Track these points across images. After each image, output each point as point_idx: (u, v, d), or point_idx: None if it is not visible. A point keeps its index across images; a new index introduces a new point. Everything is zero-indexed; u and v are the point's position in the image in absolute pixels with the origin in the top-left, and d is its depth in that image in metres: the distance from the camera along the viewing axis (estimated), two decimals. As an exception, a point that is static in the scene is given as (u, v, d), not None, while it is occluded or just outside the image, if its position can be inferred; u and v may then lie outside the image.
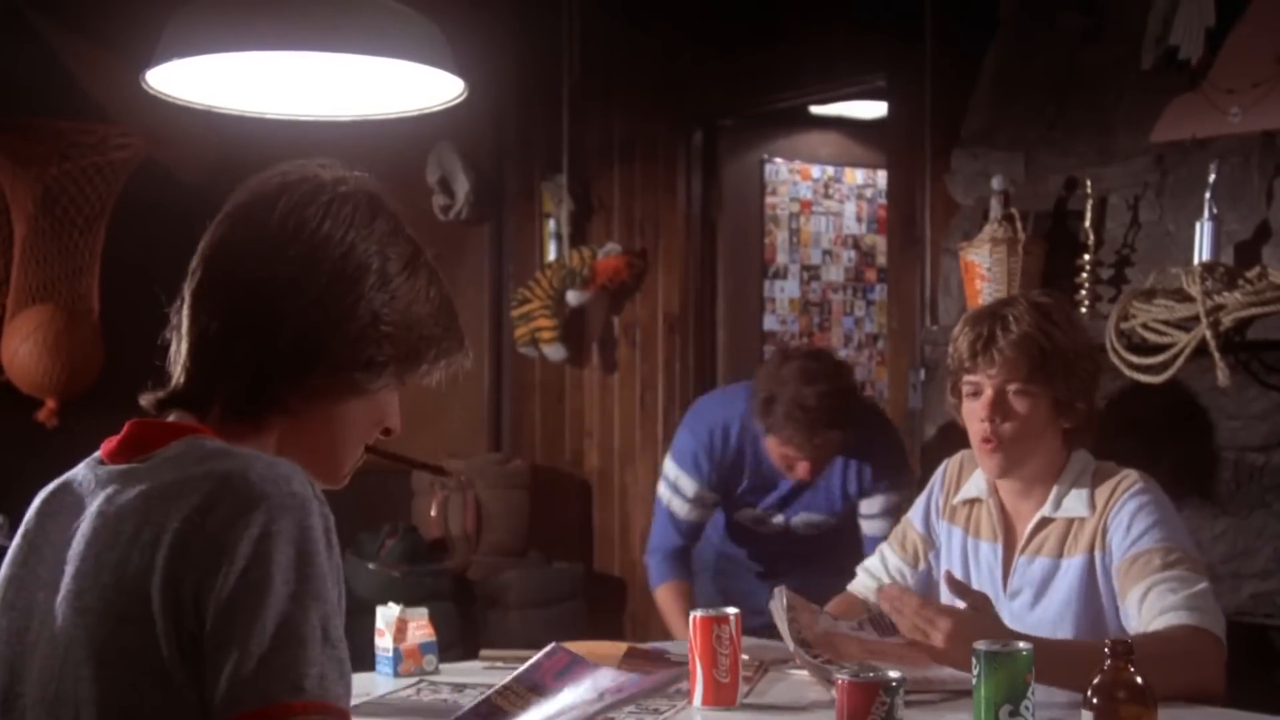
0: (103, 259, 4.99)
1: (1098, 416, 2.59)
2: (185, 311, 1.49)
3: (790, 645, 2.37)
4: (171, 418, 1.48)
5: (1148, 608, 2.33)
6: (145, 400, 1.49)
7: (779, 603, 2.40)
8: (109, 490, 1.41)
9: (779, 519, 3.70)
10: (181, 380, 1.48)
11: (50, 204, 4.89)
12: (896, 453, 3.76)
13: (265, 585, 1.30)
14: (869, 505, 3.61)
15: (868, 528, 3.60)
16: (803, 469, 3.48)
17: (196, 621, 1.31)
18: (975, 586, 2.58)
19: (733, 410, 3.60)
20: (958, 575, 2.58)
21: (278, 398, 1.48)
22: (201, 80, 2.50)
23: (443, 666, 2.62)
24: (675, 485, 3.65)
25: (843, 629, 2.43)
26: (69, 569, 1.39)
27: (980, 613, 2.27)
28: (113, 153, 4.93)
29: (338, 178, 1.52)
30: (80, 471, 1.49)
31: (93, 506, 1.41)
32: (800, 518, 3.67)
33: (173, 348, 1.50)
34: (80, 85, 4.78)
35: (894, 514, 3.43)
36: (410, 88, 2.56)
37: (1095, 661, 1.83)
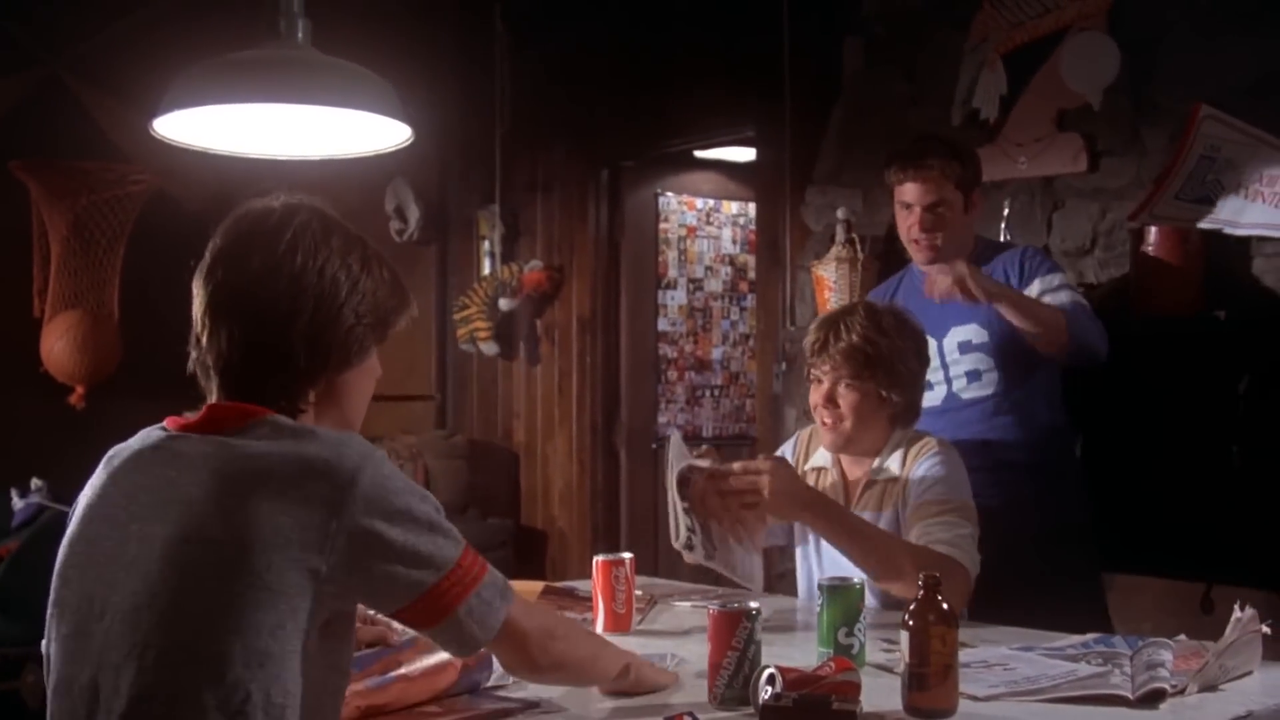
0: (121, 273, 4.96)
1: (916, 402, 2.60)
2: (205, 347, 1.50)
3: (671, 488, 2.27)
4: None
5: (919, 541, 2.34)
6: (189, 414, 1.50)
7: (675, 445, 2.32)
8: (217, 453, 1.42)
9: (938, 365, 2.93)
10: (223, 401, 1.49)
11: (79, 229, 4.87)
12: (1039, 252, 3.10)
13: (406, 506, 1.41)
14: (1038, 287, 2.89)
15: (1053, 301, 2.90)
16: (919, 218, 2.89)
17: (346, 550, 1.37)
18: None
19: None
20: (809, 532, 2.57)
21: (303, 397, 1.51)
22: (200, 127, 2.47)
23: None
24: None
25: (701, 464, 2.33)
26: (186, 510, 1.39)
27: (783, 464, 2.33)
28: (129, 187, 4.90)
29: (292, 209, 1.53)
30: (162, 438, 1.48)
31: (202, 463, 1.41)
32: (951, 337, 2.93)
33: (200, 376, 1.52)
34: (103, 132, 4.74)
35: (1066, 288, 2.87)
36: (368, 133, 2.54)
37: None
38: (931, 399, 2.95)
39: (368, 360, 1.57)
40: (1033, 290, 2.88)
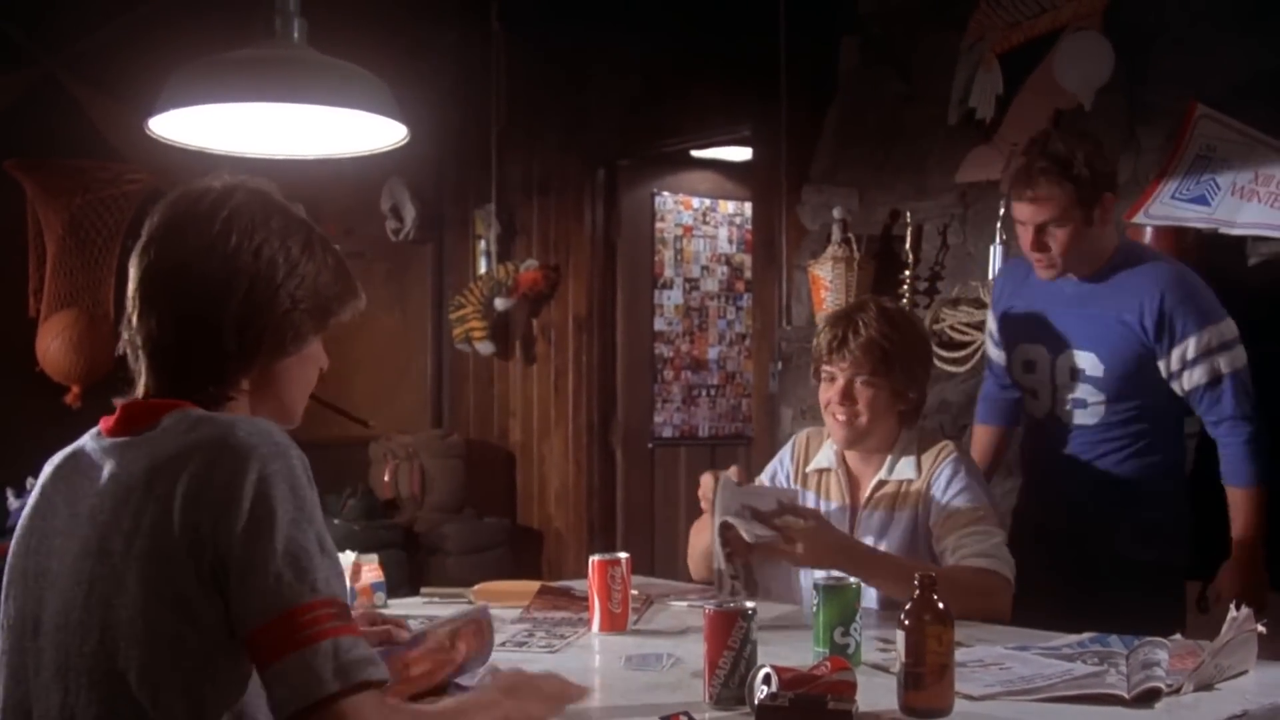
0: (117, 272, 4.95)
1: (925, 400, 2.63)
2: (135, 327, 1.45)
3: (715, 538, 2.35)
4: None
5: (958, 554, 2.38)
6: (119, 402, 1.46)
7: (724, 487, 2.35)
8: (120, 457, 1.38)
9: (1047, 381, 2.85)
10: (152, 386, 1.45)
11: (75, 228, 4.86)
12: (1192, 286, 2.76)
13: (271, 518, 1.30)
14: (1182, 352, 2.70)
15: (1188, 380, 2.71)
16: (1032, 238, 2.74)
17: (215, 556, 1.29)
18: None
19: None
20: None
21: (234, 383, 1.47)
22: (196, 126, 2.47)
23: (390, 602, 2.58)
24: (988, 330, 3.07)
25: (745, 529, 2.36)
26: (90, 522, 1.36)
27: (819, 522, 2.36)
28: (125, 186, 4.89)
29: (229, 189, 1.49)
30: (87, 443, 1.45)
31: (107, 470, 1.38)
32: (1065, 359, 2.81)
33: (129, 358, 1.47)
34: (99, 131, 4.74)
35: (1215, 353, 2.69)
36: (363, 133, 2.54)
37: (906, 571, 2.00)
38: (1034, 408, 2.90)
39: (307, 348, 1.52)
40: (1172, 362, 2.71)
